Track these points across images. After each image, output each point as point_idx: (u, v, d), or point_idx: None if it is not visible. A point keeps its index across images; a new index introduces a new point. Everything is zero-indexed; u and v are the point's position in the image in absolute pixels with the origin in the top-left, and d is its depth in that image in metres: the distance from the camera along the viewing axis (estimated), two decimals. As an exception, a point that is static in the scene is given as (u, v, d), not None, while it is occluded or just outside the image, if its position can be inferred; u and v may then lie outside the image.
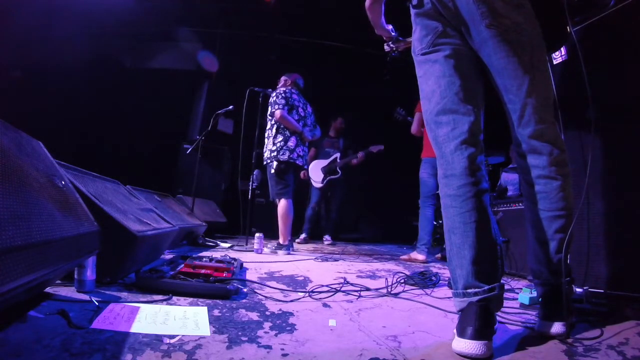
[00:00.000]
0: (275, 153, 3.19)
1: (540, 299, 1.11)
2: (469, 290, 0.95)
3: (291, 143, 3.23)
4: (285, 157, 3.18)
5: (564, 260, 1.04)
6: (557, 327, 1.02)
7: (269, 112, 3.29)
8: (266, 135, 3.33)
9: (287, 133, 3.24)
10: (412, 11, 1.16)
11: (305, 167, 3.51)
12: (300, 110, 3.37)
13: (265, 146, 3.32)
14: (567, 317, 1.03)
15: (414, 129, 3.44)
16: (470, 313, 0.92)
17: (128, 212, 1.60)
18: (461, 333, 0.90)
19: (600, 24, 1.43)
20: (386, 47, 1.66)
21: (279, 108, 3.19)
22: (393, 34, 1.55)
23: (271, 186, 3.27)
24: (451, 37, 1.08)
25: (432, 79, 1.08)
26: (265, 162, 3.30)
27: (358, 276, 2.06)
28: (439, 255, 3.45)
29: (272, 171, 3.20)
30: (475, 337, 0.88)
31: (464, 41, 1.09)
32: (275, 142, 3.22)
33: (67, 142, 3.44)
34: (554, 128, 1.06)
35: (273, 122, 3.27)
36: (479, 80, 1.11)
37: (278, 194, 3.21)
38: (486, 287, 0.94)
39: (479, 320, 0.90)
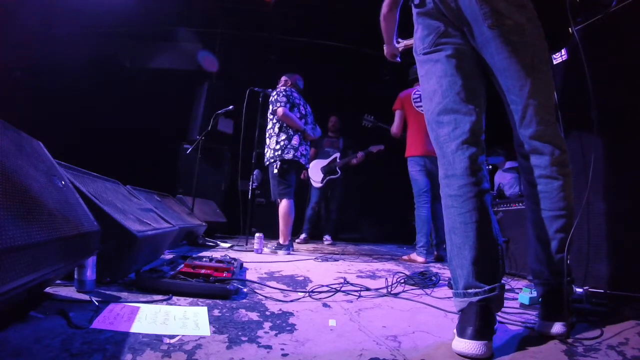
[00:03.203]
0: (279, 152, 3.18)
1: (540, 299, 1.11)
2: (470, 291, 0.95)
3: (295, 141, 3.22)
4: (290, 155, 3.17)
5: (565, 259, 1.04)
6: (557, 327, 1.02)
7: (270, 111, 3.29)
8: (267, 134, 3.32)
9: (291, 131, 3.24)
10: (414, 10, 1.15)
11: (307, 166, 3.51)
12: (301, 108, 3.37)
13: (266, 146, 3.30)
14: (567, 317, 1.03)
15: (395, 128, 3.33)
16: (471, 313, 0.92)
17: (128, 212, 1.60)
18: (461, 333, 0.90)
19: (600, 24, 1.43)
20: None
21: (281, 106, 3.18)
22: (398, 57, 1.56)
23: (273, 186, 3.27)
24: (453, 36, 1.08)
25: (434, 78, 1.08)
26: (267, 162, 3.29)
27: (358, 276, 2.06)
28: (435, 254, 3.45)
29: (275, 171, 3.20)
30: (475, 337, 0.88)
31: (465, 41, 1.08)
32: (279, 140, 3.21)
33: (67, 142, 3.43)
34: (555, 129, 1.07)
35: (275, 120, 3.26)
36: (480, 80, 1.10)
37: (280, 194, 3.20)
38: (487, 287, 0.94)
39: (479, 320, 0.90)
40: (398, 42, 1.61)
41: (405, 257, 3.15)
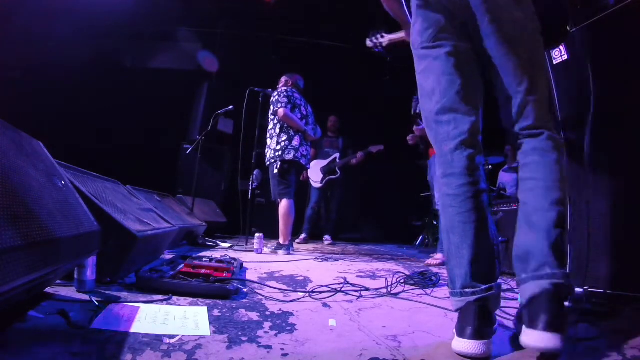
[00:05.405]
0: (280, 152, 3.19)
1: (526, 300, 0.98)
2: (467, 290, 0.95)
3: (295, 142, 3.23)
4: (291, 156, 3.18)
5: (565, 238, 0.96)
6: (547, 340, 0.95)
7: (271, 112, 3.29)
8: (268, 135, 3.33)
9: (292, 132, 3.24)
10: (413, 2, 1.13)
11: (308, 167, 3.51)
12: (302, 109, 3.37)
13: (267, 146, 3.31)
14: (565, 325, 0.96)
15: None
16: (469, 313, 0.92)
17: (128, 212, 1.60)
18: (461, 333, 0.90)
19: (600, 24, 1.43)
20: (369, 43, 1.58)
21: (282, 106, 3.19)
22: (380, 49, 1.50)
23: (273, 186, 3.27)
24: (452, 33, 1.06)
25: (433, 76, 1.07)
26: (267, 162, 3.29)
27: (358, 276, 2.06)
28: (439, 255, 3.43)
29: (275, 171, 3.20)
30: (474, 336, 0.88)
31: (465, 39, 1.07)
32: (280, 141, 3.22)
33: (68, 142, 3.43)
34: (553, 121, 1.05)
35: (276, 121, 3.27)
36: (479, 80, 1.10)
37: (280, 194, 3.21)
38: (484, 287, 0.94)
39: (478, 320, 0.90)
40: (382, 37, 1.53)
41: (430, 262, 2.87)
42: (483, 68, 1.10)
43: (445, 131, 1.04)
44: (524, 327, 0.88)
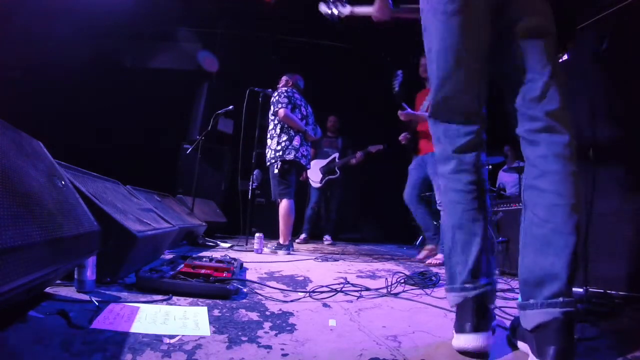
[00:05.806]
0: (280, 153, 3.19)
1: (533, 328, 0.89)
2: (467, 285, 0.96)
3: (296, 142, 3.23)
4: (292, 156, 3.18)
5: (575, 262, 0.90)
6: None
7: (271, 112, 3.29)
8: (269, 135, 3.33)
9: (292, 132, 3.25)
10: None
11: (308, 167, 3.51)
12: (302, 109, 3.38)
13: (267, 146, 3.31)
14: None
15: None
16: (467, 309, 0.93)
17: (128, 212, 1.60)
18: (460, 329, 0.91)
19: (600, 24, 1.44)
20: (324, 9, 1.40)
21: (282, 107, 3.19)
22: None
23: (273, 186, 3.27)
24: (480, 15, 0.99)
25: (450, 62, 1.01)
26: (268, 162, 3.30)
27: (358, 276, 2.06)
28: (440, 255, 3.42)
29: (276, 171, 3.20)
30: (474, 330, 0.89)
31: (492, 26, 1.01)
32: (280, 141, 3.22)
33: (68, 142, 3.44)
34: (570, 116, 0.97)
35: (276, 121, 3.27)
36: (488, 77, 1.07)
37: (280, 194, 3.21)
38: (484, 282, 0.95)
39: (476, 315, 0.91)
40: (344, 7, 1.36)
41: (430, 261, 2.89)
42: (502, 51, 1.04)
43: (457, 127, 1.03)
44: (531, 355, 0.85)
